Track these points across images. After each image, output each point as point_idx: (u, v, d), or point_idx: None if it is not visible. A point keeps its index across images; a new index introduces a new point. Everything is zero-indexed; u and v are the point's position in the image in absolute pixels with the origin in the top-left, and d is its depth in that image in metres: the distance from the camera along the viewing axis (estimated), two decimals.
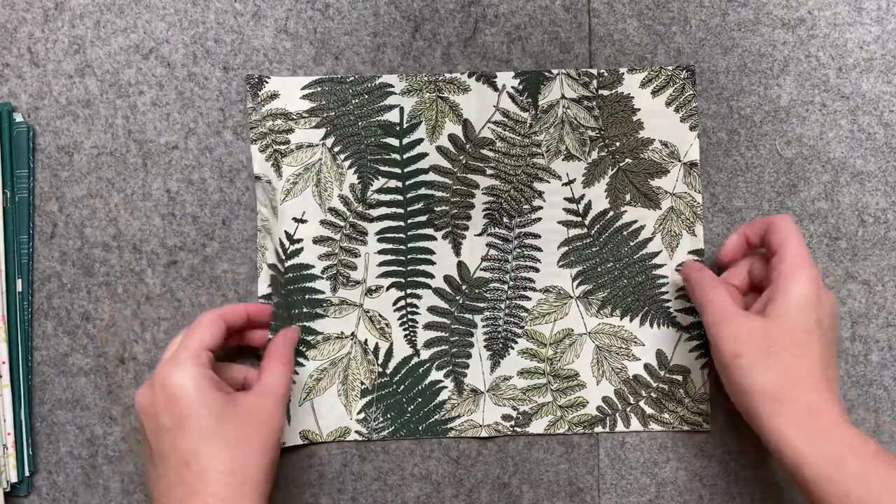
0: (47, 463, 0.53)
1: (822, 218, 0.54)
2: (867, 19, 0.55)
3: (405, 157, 0.54)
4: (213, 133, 0.54)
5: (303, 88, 0.54)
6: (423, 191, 0.54)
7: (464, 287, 0.54)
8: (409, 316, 0.54)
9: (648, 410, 0.54)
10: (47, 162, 0.54)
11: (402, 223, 0.54)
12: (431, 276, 0.54)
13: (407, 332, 0.54)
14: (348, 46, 0.55)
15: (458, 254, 0.54)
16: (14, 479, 0.52)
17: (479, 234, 0.54)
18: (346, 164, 0.54)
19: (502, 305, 0.54)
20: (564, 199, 0.54)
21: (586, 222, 0.54)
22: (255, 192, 0.54)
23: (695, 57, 0.54)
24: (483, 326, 0.54)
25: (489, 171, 0.54)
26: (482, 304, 0.54)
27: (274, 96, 0.53)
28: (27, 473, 0.52)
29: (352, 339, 0.54)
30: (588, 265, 0.54)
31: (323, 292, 0.54)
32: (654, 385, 0.54)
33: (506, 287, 0.54)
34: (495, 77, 0.54)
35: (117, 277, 0.54)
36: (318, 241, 0.54)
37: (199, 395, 0.44)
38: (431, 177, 0.54)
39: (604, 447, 0.54)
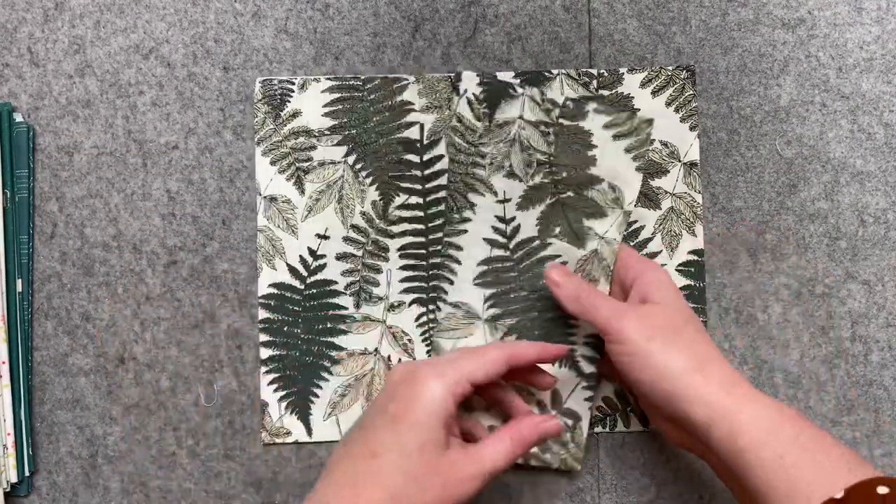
0: (47, 463, 0.53)
1: (822, 218, 0.54)
2: (867, 19, 0.55)
3: (426, 173, 0.54)
4: (213, 133, 0.54)
5: (324, 106, 0.54)
6: (443, 207, 0.54)
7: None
8: (432, 332, 0.54)
9: (532, 450, 0.51)
10: (47, 162, 0.54)
11: (423, 239, 0.54)
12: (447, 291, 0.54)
13: (429, 348, 0.54)
14: (348, 46, 0.55)
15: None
16: (14, 479, 0.52)
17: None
18: (368, 181, 0.54)
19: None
20: (495, 216, 0.53)
21: (511, 245, 0.53)
22: (267, 211, 0.54)
23: (695, 57, 0.54)
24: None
25: (447, 180, 0.54)
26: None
27: (296, 115, 0.54)
28: (27, 473, 0.52)
29: (375, 355, 0.54)
30: (503, 289, 0.53)
31: (346, 308, 0.54)
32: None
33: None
34: (459, 82, 0.53)
35: (117, 277, 0.54)
36: (340, 257, 0.54)
37: (428, 417, 0.42)
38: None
39: (604, 447, 0.54)
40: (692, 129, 0.54)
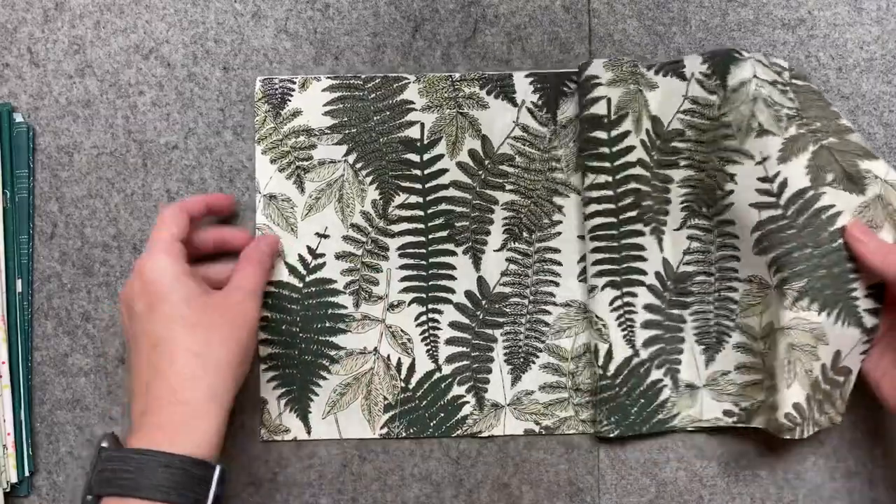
0: (47, 463, 0.53)
1: None
2: (867, 20, 0.55)
3: (426, 172, 0.54)
4: (213, 133, 0.54)
5: (325, 105, 0.54)
6: (443, 206, 0.54)
7: (483, 302, 0.54)
8: (431, 331, 0.54)
9: (828, 411, 0.50)
10: (47, 162, 0.54)
11: (423, 238, 0.54)
12: (452, 290, 0.54)
13: (429, 347, 0.54)
14: (348, 46, 0.55)
15: (477, 269, 0.54)
16: (14, 479, 0.52)
17: (499, 250, 0.54)
18: (368, 179, 0.54)
19: (523, 320, 0.54)
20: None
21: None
22: (266, 209, 0.54)
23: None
24: (503, 341, 0.54)
25: (508, 187, 0.54)
26: (502, 319, 0.54)
27: (296, 114, 0.54)
28: (27, 473, 0.52)
29: (374, 354, 0.54)
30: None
31: (346, 307, 0.54)
32: (823, 387, 0.49)
33: (526, 302, 0.54)
34: (514, 93, 0.54)
35: (117, 277, 0.54)
36: (340, 256, 0.54)
37: (172, 281, 0.45)
38: (452, 192, 0.54)
39: (604, 447, 0.54)
40: None
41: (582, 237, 0.53)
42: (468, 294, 0.54)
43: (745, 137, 0.48)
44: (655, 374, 0.52)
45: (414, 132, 0.54)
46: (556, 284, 0.54)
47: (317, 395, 0.53)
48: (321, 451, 0.53)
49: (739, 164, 0.49)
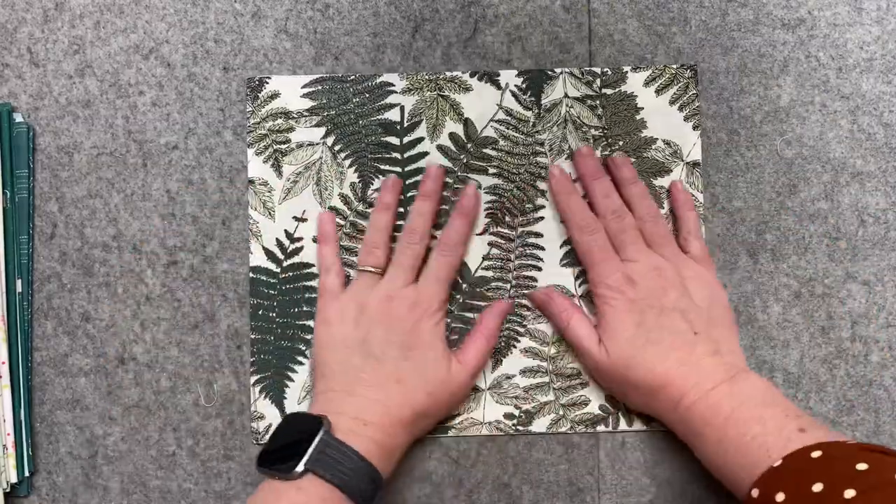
0: (47, 463, 0.53)
1: (822, 218, 0.54)
2: (867, 20, 0.55)
3: (406, 155, 0.54)
4: (213, 133, 0.54)
5: (303, 87, 0.54)
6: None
7: (464, 286, 0.54)
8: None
9: None
10: (47, 162, 0.54)
11: (402, 222, 0.53)
12: None
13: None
14: (348, 46, 0.55)
15: None
16: (14, 479, 0.52)
17: (481, 234, 0.54)
18: (347, 162, 0.54)
19: None
20: None
21: None
22: (249, 196, 0.54)
23: (695, 57, 0.54)
24: None
25: (492, 170, 0.54)
26: (483, 304, 0.54)
27: (274, 96, 0.54)
28: (27, 474, 0.52)
29: None
30: None
31: None
32: None
33: (508, 286, 0.54)
34: (498, 76, 0.54)
35: (117, 277, 0.54)
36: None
37: (434, 340, 0.50)
38: None
39: (604, 447, 0.54)
40: (695, 128, 0.54)
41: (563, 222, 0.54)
42: None
43: (557, 157, 0.54)
44: None
45: (394, 115, 0.54)
46: (539, 269, 0.54)
47: (292, 380, 0.53)
48: None
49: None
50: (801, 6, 0.55)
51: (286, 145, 0.54)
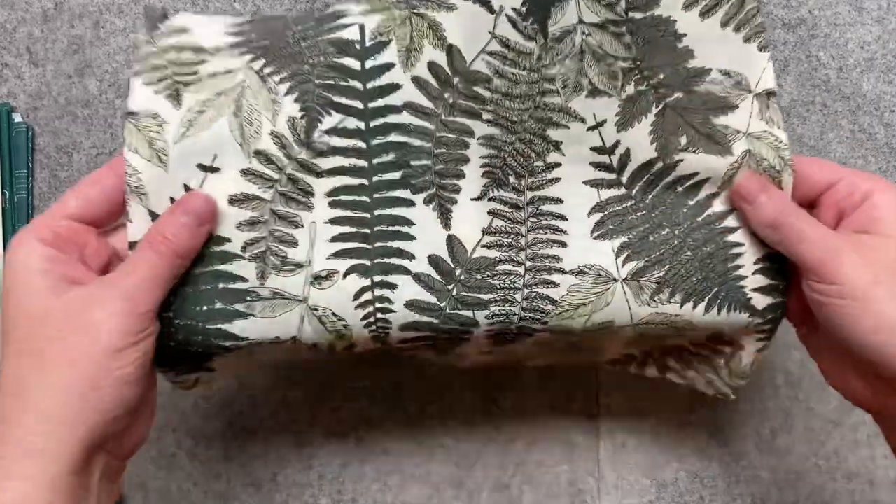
0: None
1: None
2: (868, 19, 0.54)
3: (369, 86, 0.38)
4: None
5: (229, 25, 0.38)
6: (394, 136, 0.38)
7: (458, 272, 0.38)
8: (379, 315, 0.38)
9: (672, 364, 0.43)
10: (46, 162, 0.54)
11: (365, 181, 0.38)
12: (410, 256, 0.38)
13: (376, 334, 0.38)
14: None
15: (447, 225, 0.39)
16: None
17: (478, 199, 0.39)
18: (283, 88, 0.37)
19: (518, 297, 0.39)
20: (591, 149, 0.39)
21: (624, 179, 0.40)
22: (125, 132, 0.36)
23: None
24: (488, 326, 0.39)
25: (486, 116, 0.39)
26: (487, 296, 0.38)
27: (182, 31, 0.38)
28: None
29: (293, 343, 0.38)
30: (636, 234, 0.40)
31: (246, 280, 0.37)
32: (693, 350, 0.42)
33: (521, 270, 0.39)
34: None
35: None
36: (236, 200, 0.37)
37: (25, 275, 0.33)
38: (406, 118, 0.38)
39: (604, 448, 0.53)
40: (762, 49, 0.39)
41: (591, 183, 0.40)
42: (434, 261, 0.38)
43: (572, 96, 0.38)
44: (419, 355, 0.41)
45: (351, 33, 0.38)
46: (563, 245, 0.39)
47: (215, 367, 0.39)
48: (321, 452, 0.53)
49: (565, 129, 0.39)
50: (801, 6, 0.55)
51: (192, 76, 0.37)
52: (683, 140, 0.39)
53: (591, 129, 0.39)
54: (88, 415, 0.32)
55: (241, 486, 0.53)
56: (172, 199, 0.36)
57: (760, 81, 0.39)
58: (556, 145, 0.39)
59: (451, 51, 0.38)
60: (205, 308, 0.37)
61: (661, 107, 0.39)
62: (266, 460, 0.53)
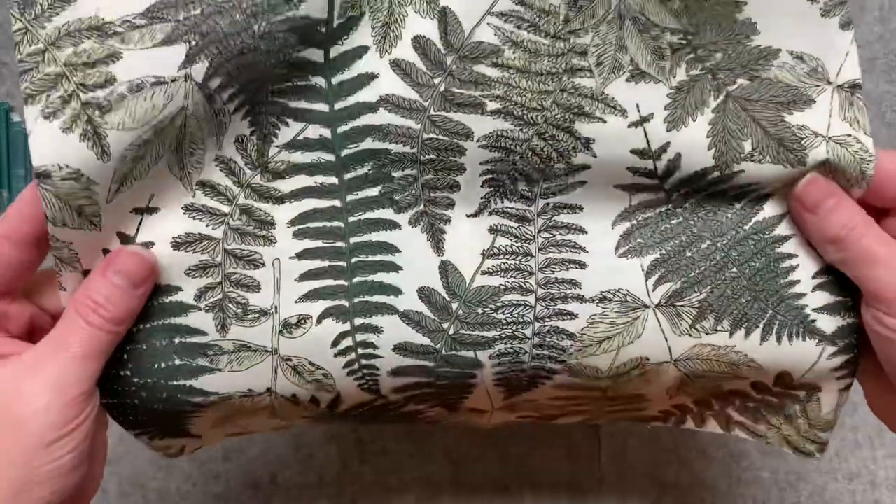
0: None
1: None
2: (870, 18, 0.54)
3: (334, 81, 0.30)
4: None
5: None
6: (370, 143, 0.30)
7: (456, 305, 0.32)
8: (364, 361, 0.32)
9: (737, 417, 0.36)
10: None
11: (336, 202, 0.31)
12: (396, 291, 0.32)
13: (363, 382, 0.33)
14: None
15: (439, 250, 0.32)
16: None
17: (475, 214, 0.32)
18: (232, 105, 0.30)
19: (527, 332, 0.32)
20: (632, 151, 0.31)
21: (666, 186, 0.32)
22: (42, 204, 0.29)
23: None
24: (494, 367, 0.33)
25: (491, 106, 0.30)
26: (490, 334, 0.32)
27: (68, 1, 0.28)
28: None
29: (269, 395, 0.33)
30: (670, 248, 0.32)
31: (205, 333, 0.32)
32: (758, 396, 0.35)
33: (531, 300, 0.32)
34: None
35: None
36: (182, 243, 0.31)
37: None
38: (384, 117, 0.30)
39: (605, 449, 0.53)
40: (844, 27, 0.31)
41: (623, 187, 0.32)
42: (425, 294, 0.32)
43: (610, 78, 0.30)
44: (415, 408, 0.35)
45: (314, 7, 0.29)
46: (582, 265, 0.32)
47: (193, 426, 0.34)
48: (320, 453, 0.53)
49: (600, 123, 0.31)
50: None
51: (107, 91, 0.28)
52: (748, 146, 0.31)
53: (634, 125, 0.31)
54: (33, 498, 0.28)
55: (240, 487, 0.53)
56: (106, 251, 0.31)
57: (843, 69, 0.31)
58: (587, 144, 0.31)
59: (444, 16, 0.29)
60: (164, 365, 0.31)
61: (721, 98, 0.31)
62: (265, 461, 0.53)
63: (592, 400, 0.35)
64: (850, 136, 0.31)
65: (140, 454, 0.53)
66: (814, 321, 0.33)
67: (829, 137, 0.31)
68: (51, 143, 0.28)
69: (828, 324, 0.33)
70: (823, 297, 0.33)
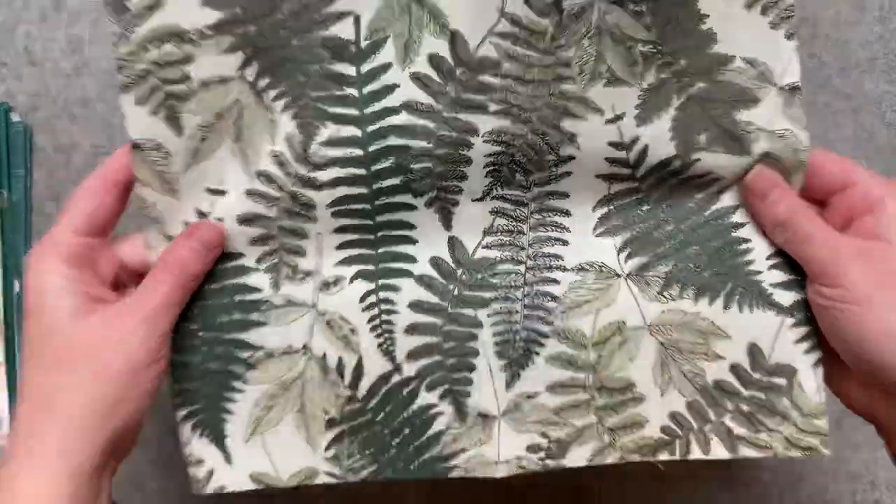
0: None
1: None
2: (870, 18, 0.54)
3: (365, 91, 0.37)
4: None
5: None
6: (393, 140, 0.37)
7: (460, 272, 0.40)
8: (384, 317, 0.40)
9: (737, 430, 0.39)
10: (44, 162, 0.54)
11: (364, 189, 0.38)
12: (412, 259, 0.40)
13: (382, 340, 0.40)
14: None
15: (448, 226, 0.40)
16: None
17: (479, 199, 0.39)
18: (279, 105, 0.37)
19: (518, 294, 0.40)
20: (609, 144, 0.38)
21: (638, 174, 0.39)
22: (134, 166, 0.38)
23: None
24: (492, 325, 0.40)
25: (493, 107, 0.37)
26: (489, 295, 0.40)
27: (155, 6, 0.36)
28: None
29: (304, 353, 0.40)
30: (639, 230, 0.40)
31: (260, 290, 0.39)
32: (746, 394, 0.39)
33: (522, 269, 0.40)
34: None
35: None
36: (245, 220, 0.39)
37: (48, 294, 0.35)
38: (405, 119, 0.37)
39: None
40: (788, 37, 0.37)
41: (603, 177, 0.39)
42: (436, 262, 0.40)
43: (591, 84, 0.37)
44: (425, 398, 0.40)
45: (345, 30, 0.36)
46: (565, 243, 0.40)
47: (231, 412, 0.40)
48: None
49: (583, 121, 0.37)
50: (803, 6, 0.54)
51: (183, 85, 0.37)
52: (703, 138, 0.38)
53: (610, 122, 0.38)
54: (114, 423, 0.35)
55: None
56: (186, 224, 0.38)
57: (786, 73, 0.38)
58: (572, 138, 0.38)
59: (454, 37, 0.37)
60: (224, 319, 0.39)
61: (683, 98, 0.38)
62: None
63: (586, 403, 0.40)
64: (788, 129, 0.38)
65: (140, 454, 0.53)
66: (771, 294, 0.39)
67: (771, 131, 0.38)
68: (141, 123, 0.37)
69: (784, 298, 0.39)
70: (778, 276, 0.39)
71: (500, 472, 0.41)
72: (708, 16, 0.37)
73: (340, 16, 0.37)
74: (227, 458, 0.40)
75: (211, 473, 0.40)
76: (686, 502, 0.53)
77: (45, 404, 0.34)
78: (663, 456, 0.40)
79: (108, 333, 0.35)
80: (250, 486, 0.40)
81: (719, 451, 0.40)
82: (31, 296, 0.35)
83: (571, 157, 0.38)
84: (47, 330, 0.35)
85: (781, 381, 0.39)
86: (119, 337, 0.35)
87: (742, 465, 0.53)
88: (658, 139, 0.38)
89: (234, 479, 0.40)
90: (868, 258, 0.36)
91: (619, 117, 0.38)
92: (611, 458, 0.40)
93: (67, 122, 0.54)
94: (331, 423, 0.40)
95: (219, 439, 0.40)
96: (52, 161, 0.54)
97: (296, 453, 0.40)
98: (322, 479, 0.40)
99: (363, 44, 0.37)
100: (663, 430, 0.40)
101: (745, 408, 0.40)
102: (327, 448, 0.40)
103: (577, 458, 0.40)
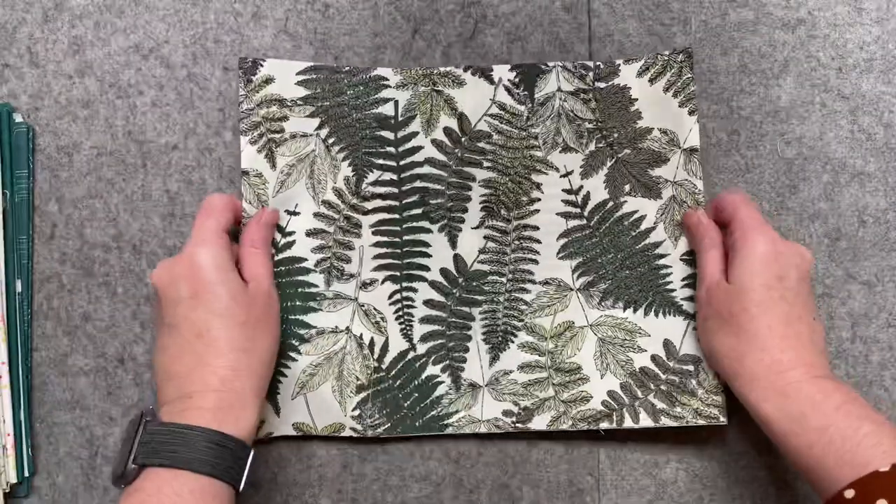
0: (47, 464, 0.53)
1: (822, 218, 0.54)
2: (867, 19, 0.55)
3: (400, 150, 0.54)
4: (213, 133, 0.54)
5: (298, 74, 0.53)
6: (418, 183, 0.54)
7: (461, 280, 0.54)
8: (405, 310, 0.54)
9: (659, 405, 0.52)
10: (47, 162, 0.54)
11: (397, 216, 0.54)
12: (427, 268, 0.54)
13: (403, 325, 0.54)
14: (348, 46, 0.55)
15: (454, 246, 0.54)
16: (14, 480, 0.52)
17: (476, 227, 0.54)
18: (341, 156, 0.53)
19: (501, 298, 0.54)
20: (562, 190, 0.54)
21: (585, 213, 0.54)
22: (242, 187, 0.52)
23: (695, 57, 0.54)
24: (481, 319, 0.54)
25: (486, 164, 0.54)
26: (480, 297, 0.54)
27: (268, 81, 0.53)
28: (27, 474, 0.52)
29: (346, 333, 0.53)
30: (588, 256, 0.54)
31: (317, 286, 0.53)
32: (664, 377, 0.52)
33: (504, 280, 0.54)
34: (491, 71, 0.53)
35: (117, 278, 0.54)
36: (311, 233, 0.53)
37: (218, 273, 0.47)
38: (427, 169, 0.54)
39: (604, 448, 0.54)
40: (691, 113, 0.53)
41: (562, 215, 0.54)
42: (444, 272, 0.54)
43: (551, 151, 0.54)
44: (431, 370, 0.53)
45: (388, 109, 0.53)
46: (536, 262, 0.54)
47: (285, 375, 0.52)
48: (321, 451, 0.53)
49: (545, 174, 0.54)
50: (801, 6, 0.55)
51: (280, 135, 0.53)
52: (627, 187, 0.54)
53: (563, 176, 0.54)
54: (272, 356, 0.49)
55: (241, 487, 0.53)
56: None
57: (688, 139, 0.53)
58: (538, 186, 0.54)
59: (461, 118, 0.54)
60: (290, 304, 0.53)
61: (613, 161, 0.54)
62: (266, 460, 0.53)
63: (546, 381, 0.53)
64: (687, 180, 0.53)
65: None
66: (680, 305, 0.53)
67: (675, 182, 0.53)
68: (250, 157, 0.53)
69: (691, 308, 0.53)
70: (688, 292, 0.53)
71: (482, 429, 0.53)
72: (637, 99, 0.53)
73: (385, 100, 0.53)
74: (277, 410, 0.52)
75: (262, 423, 0.52)
76: (685, 502, 0.53)
77: (245, 350, 0.47)
78: (604, 424, 0.52)
79: (266, 299, 0.49)
80: (292, 432, 0.52)
81: (646, 422, 0.52)
82: (208, 270, 0.47)
83: (538, 199, 0.54)
84: (235, 295, 0.47)
85: (689, 367, 0.52)
86: (273, 301, 0.50)
87: (740, 464, 0.53)
88: (596, 188, 0.54)
89: (281, 427, 0.52)
90: (709, 294, 0.50)
91: (569, 173, 0.54)
92: (564, 425, 0.53)
93: (69, 123, 0.54)
94: (360, 388, 0.53)
95: (272, 395, 0.52)
96: (55, 162, 0.54)
97: (330, 410, 0.53)
98: (347, 433, 0.53)
99: (400, 118, 0.54)
100: (604, 404, 0.53)
101: (663, 388, 0.52)
102: (354, 409, 0.53)
103: (540, 423, 0.53)
